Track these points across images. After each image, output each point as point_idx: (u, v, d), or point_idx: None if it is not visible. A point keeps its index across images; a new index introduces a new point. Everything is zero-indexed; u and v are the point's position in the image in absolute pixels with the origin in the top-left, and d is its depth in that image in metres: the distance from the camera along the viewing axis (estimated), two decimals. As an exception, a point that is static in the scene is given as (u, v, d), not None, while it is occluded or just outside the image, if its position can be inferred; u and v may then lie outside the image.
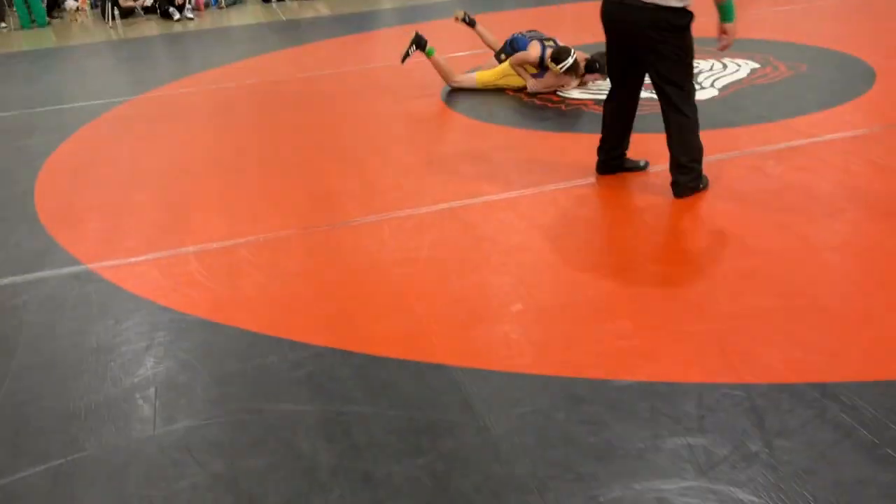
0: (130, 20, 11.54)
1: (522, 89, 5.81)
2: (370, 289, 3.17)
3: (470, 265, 3.29)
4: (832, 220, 3.40)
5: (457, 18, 6.52)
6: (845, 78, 5.42)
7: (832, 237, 3.25)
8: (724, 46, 3.63)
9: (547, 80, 5.72)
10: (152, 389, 2.61)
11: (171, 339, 2.90)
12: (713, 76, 5.75)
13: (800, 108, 4.85)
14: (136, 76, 7.74)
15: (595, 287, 3.01)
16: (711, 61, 6.10)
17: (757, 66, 5.91)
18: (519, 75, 5.82)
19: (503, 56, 6.04)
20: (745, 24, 7.29)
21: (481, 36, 6.53)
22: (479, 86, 5.92)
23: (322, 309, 3.04)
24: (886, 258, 3.05)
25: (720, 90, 5.41)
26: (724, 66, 5.95)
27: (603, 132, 4.01)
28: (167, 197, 4.34)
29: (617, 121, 3.93)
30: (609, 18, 3.63)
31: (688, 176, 3.68)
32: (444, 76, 6.02)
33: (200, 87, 6.93)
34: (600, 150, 4.05)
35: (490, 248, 3.41)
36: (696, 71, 5.84)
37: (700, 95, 5.29)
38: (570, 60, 5.56)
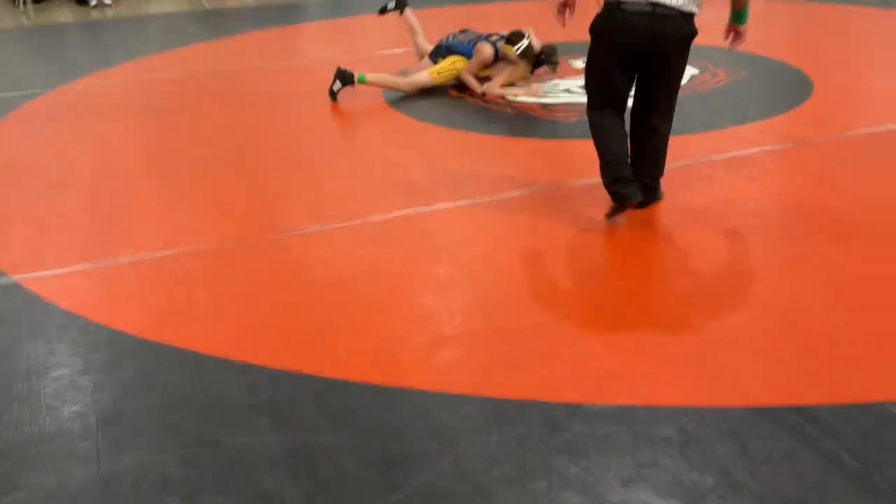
0: (43, 5, 10.91)
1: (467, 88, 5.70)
2: (327, 305, 3.00)
3: (432, 279, 3.15)
4: (787, 233, 3.42)
5: (382, 11, 6.34)
6: (784, 87, 5.52)
7: (791, 252, 3.25)
8: (737, 46, 3.58)
9: (501, 79, 5.60)
10: (93, 419, 2.39)
11: (110, 362, 2.67)
12: (655, 81, 5.76)
13: (743, 116, 4.89)
14: (53, 66, 7.28)
15: (563, 304, 2.92)
16: (652, 66, 6.12)
17: (696, 71, 5.96)
18: (468, 84, 5.68)
19: (437, 60, 5.84)
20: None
21: (411, 28, 6.27)
22: (434, 83, 5.70)
23: (276, 327, 2.86)
24: (845, 274, 3.06)
25: (663, 96, 5.41)
26: (665, 72, 5.98)
27: (618, 154, 3.44)
28: (97, 200, 4.05)
29: (623, 135, 3.50)
30: (623, 29, 3.23)
31: (654, 193, 3.61)
32: (393, 88, 5.71)
33: (124, 80, 6.57)
34: (626, 173, 3.42)
35: (452, 261, 3.28)
36: (637, 76, 5.87)
37: (643, 101, 5.31)
38: (525, 42, 5.44)
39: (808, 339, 2.65)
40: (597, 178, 4.03)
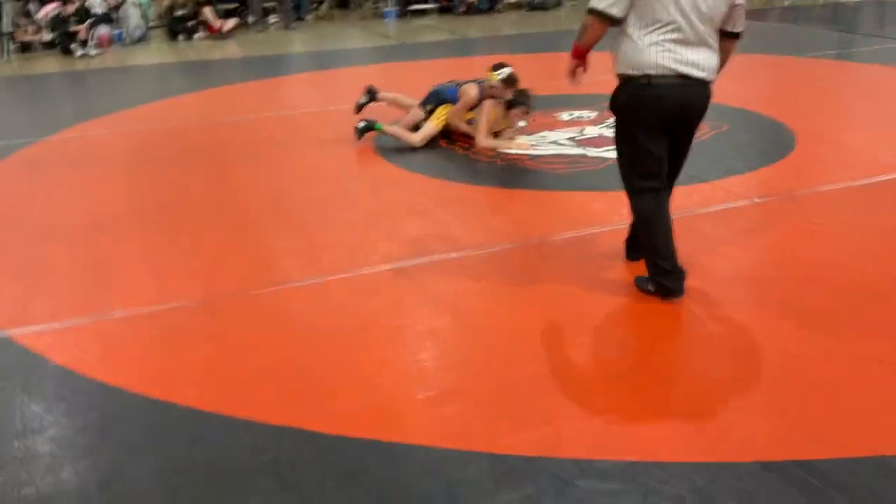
0: (27, 55, 10.94)
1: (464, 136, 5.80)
2: (325, 359, 2.97)
3: (430, 332, 3.15)
4: (780, 285, 3.45)
5: (358, 108, 6.18)
6: (767, 139, 5.63)
7: (786, 304, 3.28)
8: None
9: (485, 122, 5.63)
10: (93, 482, 2.33)
11: (109, 420, 2.62)
12: (640, 133, 5.86)
13: (729, 168, 4.98)
14: (40, 116, 7.27)
15: (563, 357, 2.93)
16: (636, 118, 6.23)
17: (680, 124, 6.06)
18: (456, 129, 5.76)
19: (429, 107, 5.93)
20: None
21: (394, 102, 6.24)
22: (438, 129, 5.76)
23: (275, 382, 2.83)
24: (842, 324, 3.09)
25: (649, 148, 5.50)
26: (650, 124, 6.08)
27: (668, 251, 3.29)
28: (89, 253, 4.01)
29: (670, 225, 3.33)
30: (657, 104, 3.10)
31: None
32: (406, 141, 5.73)
33: (112, 130, 6.57)
34: (676, 268, 3.33)
35: (449, 314, 3.28)
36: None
37: (630, 153, 5.39)
38: (507, 69, 5.57)
39: (811, 393, 2.66)
40: (589, 230, 4.11)
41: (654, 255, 3.31)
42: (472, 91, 5.71)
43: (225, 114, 7.08)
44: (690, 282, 3.47)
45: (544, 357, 2.93)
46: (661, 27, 3.00)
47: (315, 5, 14.43)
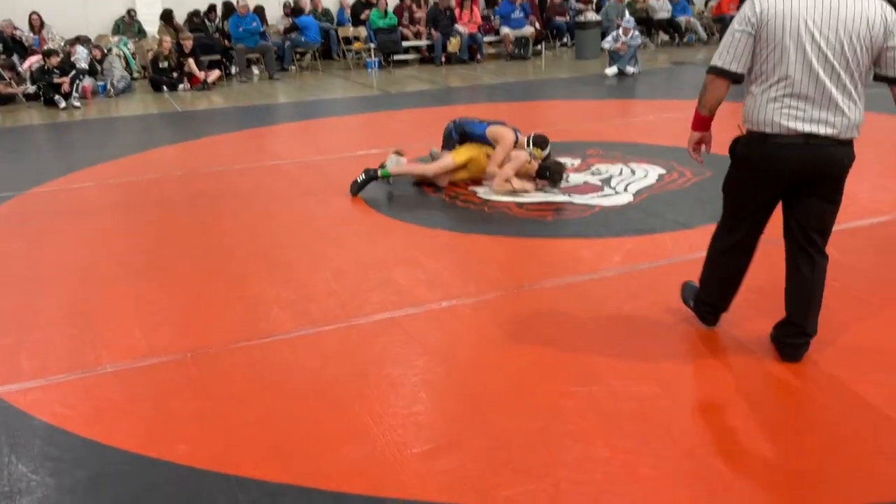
0: (10, 107, 10.94)
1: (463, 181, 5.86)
2: (319, 412, 2.94)
3: (424, 383, 3.12)
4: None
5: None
6: (749, 185, 5.70)
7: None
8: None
9: (515, 164, 5.68)
10: (83, 543, 2.28)
11: (98, 479, 2.57)
12: (624, 181, 5.93)
13: (714, 214, 5.01)
14: (24, 168, 7.24)
15: (559, 406, 2.90)
16: (620, 166, 6.31)
17: (663, 171, 6.15)
18: (505, 179, 5.66)
19: (456, 146, 5.89)
20: (643, 131, 7.67)
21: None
22: (456, 165, 5.78)
23: (269, 437, 2.79)
24: (833, 367, 3.11)
25: (634, 195, 5.56)
26: (633, 172, 6.16)
27: (717, 296, 3.35)
28: (75, 306, 3.97)
29: (736, 279, 3.31)
30: (770, 164, 2.96)
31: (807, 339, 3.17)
32: (417, 175, 5.85)
33: (97, 182, 6.55)
34: (713, 306, 3.39)
35: (442, 364, 3.26)
36: (607, 176, 6.04)
37: (615, 200, 5.45)
38: (549, 148, 5.72)
39: (803, 440, 2.66)
40: (577, 277, 4.11)
41: (701, 287, 3.41)
42: (508, 136, 5.72)
43: (210, 164, 7.08)
44: (680, 329, 3.48)
45: (539, 406, 2.91)
46: (780, 82, 2.85)
47: (298, 56, 14.60)
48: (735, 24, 2.90)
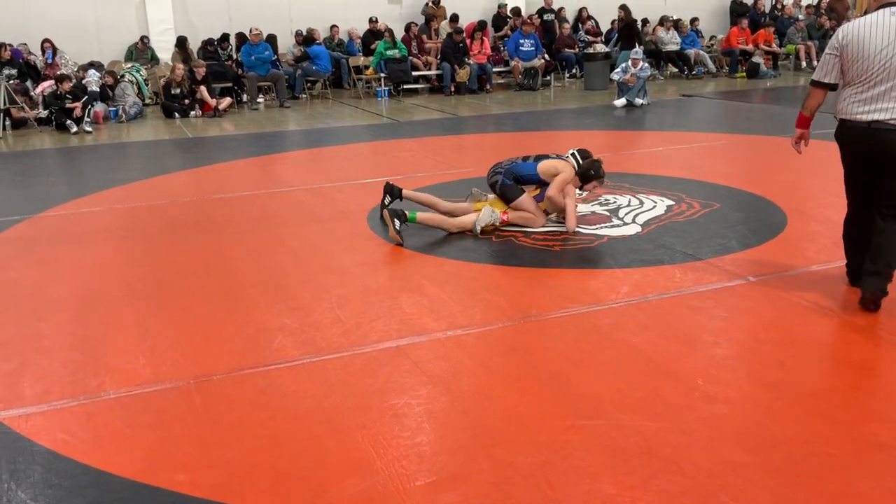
0: (22, 131, 11.05)
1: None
2: (322, 441, 2.91)
3: (428, 413, 3.09)
4: (780, 365, 3.42)
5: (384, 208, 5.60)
6: (758, 217, 5.69)
7: (785, 383, 3.25)
8: None
9: (562, 183, 5.40)
10: (79, 573, 2.24)
11: (97, 507, 2.54)
12: (632, 211, 5.92)
13: (723, 247, 5.01)
14: (34, 192, 7.28)
15: (563, 439, 2.86)
16: (628, 197, 6.31)
17: (672, 202, 6.14)
18: (558, 206, 5.42)
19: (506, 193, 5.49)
20: (651, 162, 7.67)
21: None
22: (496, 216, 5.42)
23: (272, 467, 2.75)
24: (842, 407, 3.07)
25: (642, 226, 5.55)
26: (641, 203, 6.15)
27: (853, 252, 4.16)
28: (80, 332, 3.96)
29: (856, 241, 4.12)
30: (850, 142, 3.97)
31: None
32: (443, 227, 5.48)
33: (106, 207, 6.58)
34: (857, 266, 4.09)
35: (447, 394, 3.23)
36: (615, 206, 6.03)
37: (623, 231, 5.44)
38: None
39: (809, 474, 2.62)
40: (584, 308, 4.09)
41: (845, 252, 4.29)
42: (568, 170, 5.44)
43: (220, 190, 7.11)
44: (689, 362, 3.45)
45: (544, 440, 2.87)
46: (856, 83, 3.86)
47: (309, 84, 14.72)
48: (827, 49, 3.97)
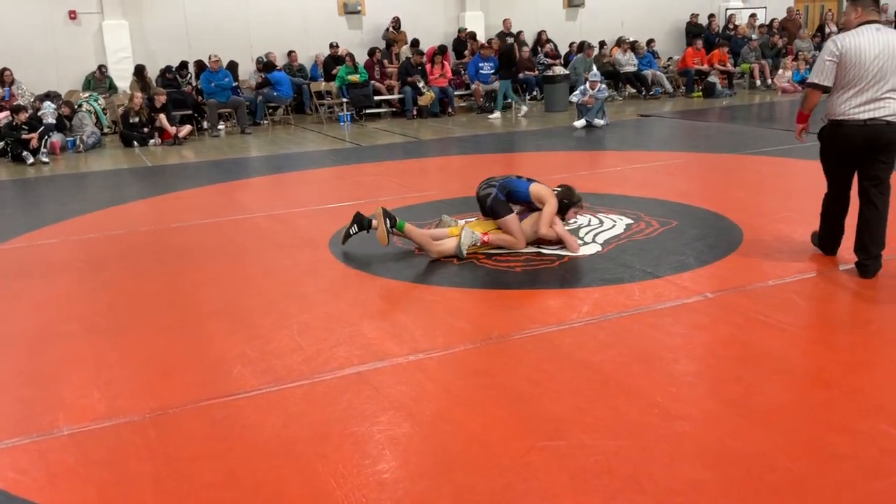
0: (-23, 163, 10.85)
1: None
2: (281, 473, 2.86)
3: (390, 440, 3.06)
4: (738, 380, 3.46)
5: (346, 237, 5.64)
6: (716, 234, 5.76)
7: (746, 398, 3.28)
8: None
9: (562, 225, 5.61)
10: None
11: (48, 548, 2.47)
12: (593, 231, 5.97)
13: (681, 264, 5.07)
14: (-13, 225, 7.14)
15: (528, 463, 2.85)
16: (588, 216, 6.36)
17: (631, 221, 6.20)
18: (565, 239, 5.51)
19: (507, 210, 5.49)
20: (610, 182, 7.75)
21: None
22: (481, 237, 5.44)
23: (230, 500, 2.70)
24: (801, 421, 3.10)
25: (602, 245, 5.59)
26: (601, 222, 6.21)
27: (837, 228, 4.91)
28: (33, 367, 3.87)
29: (834, 222, 4.91)
30: (844, 140, 4.56)
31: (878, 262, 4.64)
32: (426, 248, 5.44)
33: (62, 239, 6.47)
34: (828, 240, 4.99)
35: (408, 420, 3.21)
36: (575, 227, 6.08)
37: (584, 250, 5.47)
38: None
39: (769, 490, 2.64)
40: (546, 328, 4.10)
41: (820, 231, 5.08)
42: (553, 201, 5.52)
43: (179, 219, 7.04)
44: (647, 379, 3.47)
45: (505, 463, 2.86)
46: (850, 87, 4.46)
47: (270, 111, 14.69)
48: (825, 55, 4.51)
